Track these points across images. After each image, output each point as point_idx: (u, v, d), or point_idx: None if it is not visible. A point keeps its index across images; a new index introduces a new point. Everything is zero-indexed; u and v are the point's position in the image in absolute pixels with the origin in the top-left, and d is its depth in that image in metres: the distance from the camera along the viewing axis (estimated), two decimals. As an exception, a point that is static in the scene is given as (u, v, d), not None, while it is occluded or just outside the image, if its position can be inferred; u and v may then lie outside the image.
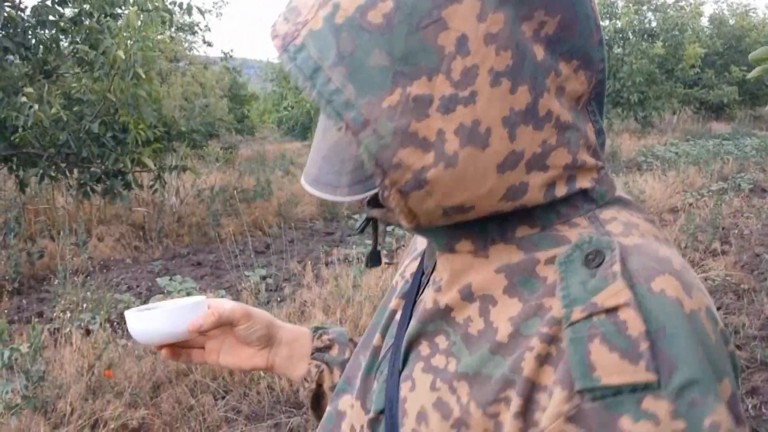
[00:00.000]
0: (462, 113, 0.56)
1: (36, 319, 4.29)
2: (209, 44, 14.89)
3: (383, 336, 0.80)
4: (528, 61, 0.58)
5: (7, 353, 3.51)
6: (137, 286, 6.43)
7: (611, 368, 0.52)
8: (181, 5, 7.54)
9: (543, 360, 0.57)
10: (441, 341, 0.67)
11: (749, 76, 2.74)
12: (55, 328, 4.58)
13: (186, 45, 13.25)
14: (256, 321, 0.95)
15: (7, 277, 6.22)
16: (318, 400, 1.00)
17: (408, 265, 0.85)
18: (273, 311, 4.93)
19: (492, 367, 0.61)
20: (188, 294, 5.29)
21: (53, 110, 5.79)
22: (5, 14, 6.08)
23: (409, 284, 0.81)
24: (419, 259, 0.82)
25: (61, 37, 6.94)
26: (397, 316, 0.78)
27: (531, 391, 0.57)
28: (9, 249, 6.51)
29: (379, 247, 0.82)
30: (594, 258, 0.58)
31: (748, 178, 11.13)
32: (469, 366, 0.63)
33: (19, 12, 6.47)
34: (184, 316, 0.91)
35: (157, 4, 6.70)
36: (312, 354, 0.99)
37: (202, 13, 7.88)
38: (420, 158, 0.57)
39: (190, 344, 0.98)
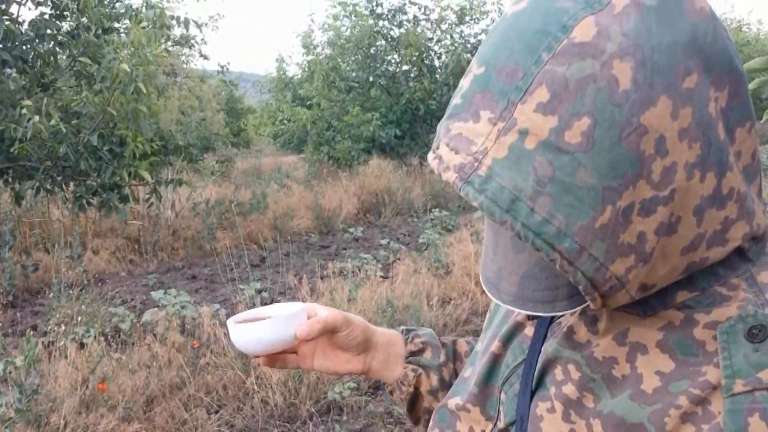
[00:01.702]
0: (662, 212, 0.56)
1: (30, 332, 4.28)
2: (206, 57, 14.96)
3: (505, 345, 0.81)
4: (714, 145, 0.57)
5: (1, 366, 3.50)
6: (132, 300, 6.43)
7: None
8: (177, 19, 7.58)
9: (686, 418, 0.59)
10: (572, 371, 0.69)
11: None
12: (49, 342, 4.58)
13: (183, 58, 13.31)
14: (356, 327, 0.95)
15: (1, 290, 6.21)
16: (414, 403, 1.01)
17: None
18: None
19: (628, 411, 0.63)
20: (183, 308, 5.29)
21: (52, 122, 5.81)
22: (4, 27, 6.11)
23: None
24: None
25: (59, 50, 6.97)
26: (527, 331, 0.79)
27: None
28: (4, 262, 6.51)
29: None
30: (758, 332, 0.58)
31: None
32: (609, 408, 0.64)
33: (17, 25, 6.50)
34: (290, 325, 0.91)
35: (162, 20, 6.73)
36: (407, 357, 1.00)
37: (198, 26, 7.91)
38: (624, 264, 0.57)
39: (284, 350, 0.97)
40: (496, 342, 0.82)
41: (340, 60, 14.74)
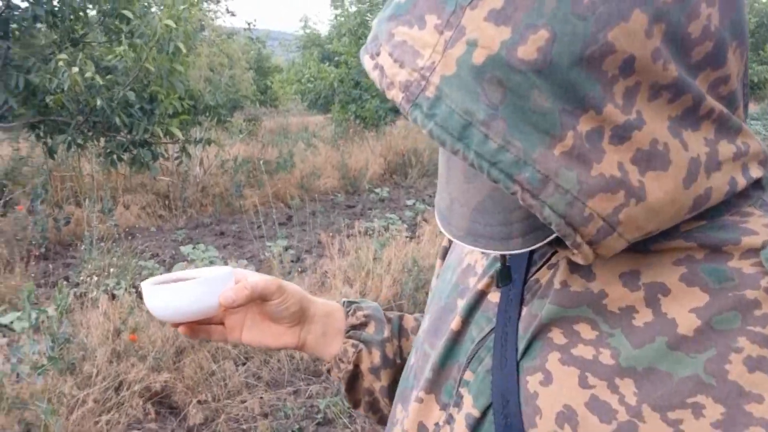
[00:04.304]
0: (638, 138, 0.48)
1: (62, 283, 4.38)
2: (232, 14, 14.86)
3: (466, 320, 0.70)
4: (693, 70, 0.50)
5: (34, 314, 3.59)
6: (161, 254, 6.52)
7: None
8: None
9: (756, 364, 0.50)
10: (584, 330, 0.59)
11: None
12: (81, 293, 4.68)
13: (210, 14, 13.26)
14: (290, 296, 0.86)
15: (33, 242, 6.34)
16: (353, 382, 0.92)
17: None
18: (294, 281, 4.99)
19: (672, 364, 0.53)
20: (211, 263, 5.35)
21: (87, 74, 5.85)
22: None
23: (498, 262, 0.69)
24: None
25: (89, 5, 6.98)
26: (491, 297, 0.69)
27: (737, 398, 0.50)
28: (36, 215, 6.63)
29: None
30: None
31: (776, 159, 10.95)
32: (637, 360, 0.55)
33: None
34: (212, 290, 0.80)
35: None
36: (347, 332, 0.91)
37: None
38: (611, 201, 0.49)
39: (208, 320, 0.88)
40: (455, 318, 0.71)
41: (369, 15, 14.57)
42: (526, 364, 0.61)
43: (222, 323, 0.89)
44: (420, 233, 6.41)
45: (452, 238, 0.59)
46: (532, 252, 0.67)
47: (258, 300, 0.84)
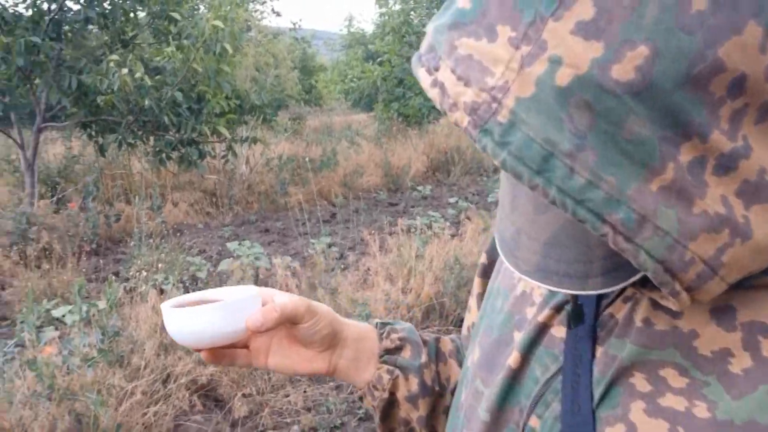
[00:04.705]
0: (744, 167, 0.41)
1: (112, 278, 4.49)
2: (278, 14, 15.05)
3: (525, 356, 0.63)
4: None
5: (85, 308, 3.70)
6: (208, 250, 6.64)
7: None
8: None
9: None
10: (671, 376, 0.51)
11: None
12: (130, 288, 4.79)
13: (256, 14, 13.44)
14: (321, 318, 0.79)
15: (85, 239, 6.52)
16: (388, 410, 0.85)
17: None
18: (337, 278, 5.02)
19: None
20: (256, 259, 5.42)
21: (137, 75, 6.00)
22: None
23: (562, 294, 0.62)
24: None
25: (138, 7, 7.15)
26: (554, 331, 0.62)
27: None
28: (88, 212, 6.82)
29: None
30: None
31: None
32: (734, 413, 0.48)
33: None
34: (234, 314, 0.73)
35: None
36: (381, 356, 0.84)
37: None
38: (714, 241, 0.42)
39: (232, 344, 0.80)
40: (512, 353, 0.64)
41: (413, 13, 14.58)
42: (603, 413, 0.54)
43: (247, 347, 0.82)
44: (462, 231, 6.39)
45: (520, 274, 0.53)
46: None
47: (286, 323, 0.77)
